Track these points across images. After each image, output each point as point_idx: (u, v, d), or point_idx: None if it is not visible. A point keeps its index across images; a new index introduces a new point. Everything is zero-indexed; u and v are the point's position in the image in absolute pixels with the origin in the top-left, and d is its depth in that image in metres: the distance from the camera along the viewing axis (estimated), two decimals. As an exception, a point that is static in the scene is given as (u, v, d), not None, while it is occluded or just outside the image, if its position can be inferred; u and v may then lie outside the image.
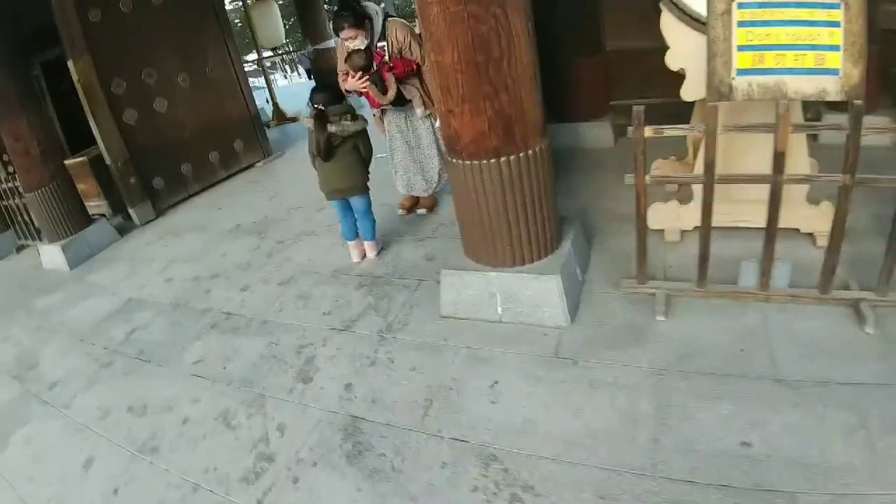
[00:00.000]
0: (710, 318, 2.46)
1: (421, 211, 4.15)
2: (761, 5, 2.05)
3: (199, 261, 4.38)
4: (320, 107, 3.30)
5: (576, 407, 2.16)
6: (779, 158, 2.22)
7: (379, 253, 3.69)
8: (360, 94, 3.68)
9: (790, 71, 2.09)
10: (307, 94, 3.44)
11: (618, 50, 4.61)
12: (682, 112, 3.13)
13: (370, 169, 3.54)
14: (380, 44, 3.59)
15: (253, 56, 10.72)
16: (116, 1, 5.46)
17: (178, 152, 6.07)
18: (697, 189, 2.81)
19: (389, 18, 3.61)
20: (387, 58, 3.55)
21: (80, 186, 5.39)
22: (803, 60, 2.07)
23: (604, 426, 2.06)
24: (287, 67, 21.81)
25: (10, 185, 5.19)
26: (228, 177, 6.66)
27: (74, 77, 5.14)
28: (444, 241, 3.67)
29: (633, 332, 2.47)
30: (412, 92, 3.67)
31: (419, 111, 3.73)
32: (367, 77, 3.50)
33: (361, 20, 3.47)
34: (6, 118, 4.64)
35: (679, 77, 2.81)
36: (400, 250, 3.71)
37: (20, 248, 5.82)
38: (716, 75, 2.13)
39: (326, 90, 3.41)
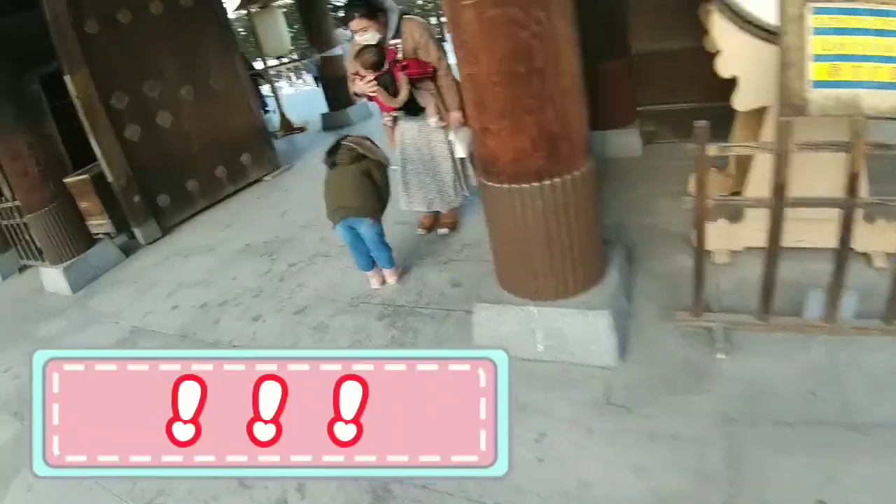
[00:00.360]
0: (774, 354, 2.22)
1: (442, 231, 3.87)
2: (837, 11, 1.81)
3: (207, 285, 4.15)
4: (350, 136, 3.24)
5: (637, 464, 1.91)
6: (853, 181, 1.99)
7: (400, 278, 3.43)
8: (370, 98, 3.46)
9: (866, 84, 1.86)
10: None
11: (645, 52, 4.37)
12: (718, 118, 2.89)
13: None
14: (393, 41, 3.37)
15: (258, 65, 10.50)
16: (115, 11, 5.25)
17: (183, 168, 5.85)
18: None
19: (405, 16, 3.40)
20: (400, 56, 3.34)
21: (83, 205, 5.20)
22: (879, 73, 1.85)
23: (671, 488, 1.81)
24: (292, 75, 21.60)
25: (11, 203, 5.00)
26: (236, 192, 6.42)
27: (72, 92, 4.92)
28: (470, 264, 3.39)
29: (692, 373, 2.21)
30: (427, 99, 3.43)
31: (433, 121, 3.48)
32: (377, 76, 3.29)
33: (374, 12, 3.25)
34: (1, 138, 4.45)
35: (714, 80, 2.56)
36: (423, 274, 3.44)
37: (23, 269, 5.67)
38: (789, 88, 1.89)
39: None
